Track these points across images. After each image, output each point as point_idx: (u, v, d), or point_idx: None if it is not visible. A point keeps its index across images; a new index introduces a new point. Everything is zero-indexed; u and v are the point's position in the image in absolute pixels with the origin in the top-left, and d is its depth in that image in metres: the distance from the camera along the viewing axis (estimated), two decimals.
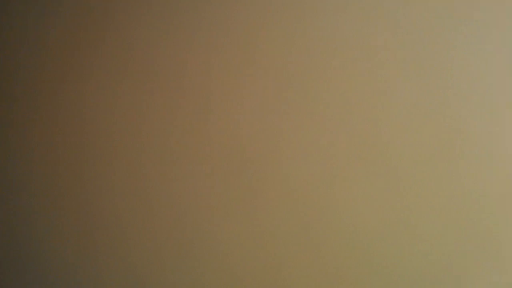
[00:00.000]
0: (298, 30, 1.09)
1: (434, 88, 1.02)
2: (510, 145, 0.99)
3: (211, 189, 1.14)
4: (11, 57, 1.28)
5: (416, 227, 1.03)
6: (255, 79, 1.11)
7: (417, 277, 1.03)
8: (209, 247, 1.14)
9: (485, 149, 1.00)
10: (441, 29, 1.02)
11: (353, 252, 1.06)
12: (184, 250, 1.15)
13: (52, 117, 1.24)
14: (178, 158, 1.16)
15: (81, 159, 1.22)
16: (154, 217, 1.17)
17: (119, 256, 1.20)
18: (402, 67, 1.04)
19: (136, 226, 1.19)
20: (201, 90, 1.15)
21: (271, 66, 1.10)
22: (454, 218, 1.01)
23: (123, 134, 1.19)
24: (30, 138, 1.26)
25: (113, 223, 1.20)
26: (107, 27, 1.20)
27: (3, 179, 1.28)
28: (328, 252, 1.07)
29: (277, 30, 1.10)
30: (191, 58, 1.15)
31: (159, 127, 1.17)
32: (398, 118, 1.04)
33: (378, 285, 1.05)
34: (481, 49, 1.00)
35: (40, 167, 1.25)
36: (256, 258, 1.11)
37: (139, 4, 1.18)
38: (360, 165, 1.05)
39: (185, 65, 1.15)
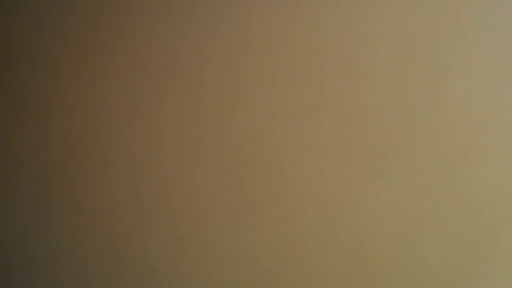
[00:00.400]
0: (310, 31, 1.09)
1: (446, 89, 1.02)
2: None
3: (218, 191, 1.14)
4: (6, 56, 1.28)
5: (429, 230, 1.03)
6: (265, 80, 1.11)
7: (429, 280, 1.03)
8: (222, 250, 1.14)
9: (492, 151, 1.00)
10: (446, 28, 1.02)
11: (364, 254, 1.06)
12: (195, 253, 1.15)
13: (50, 117, 1.24)
14: (186, 159, 1.16)
15: (87, 160, 1.22)
16: (159, 220, 1.17)
17: (125, 258, 1.20)
18: (412, 69, 1.04)
19: (139, 228, 1.18)
20: (210, 90, 1.14)
21: (281, 67, 1.10)
22: (464, 220, 1.01)
23: (126, 135, 1.19)
24: (27, 139, 1.25)
25: (117, 224, 1.19)
26: (121, 28, 1.20)
27: (11, 179, 1.28)
28: (341, 252, 1.07)
29: (287, 31, 1.10)
30: (198, 58, 1.15)
31: (165, 128, 1.17)
32: (413, 120, 1.04)
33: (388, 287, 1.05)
34: (484, 48, 1.00)
35: (39, 167, 1.25)
36: (270, 260, 1.11)
37: (153, 5, 1.18)
38: (370, 167, 1.05)
39: (192, 66, 1.15)
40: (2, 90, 1.28)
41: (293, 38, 1.10)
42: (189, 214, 1.15)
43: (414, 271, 1.04)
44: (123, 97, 1.20)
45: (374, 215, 1.05)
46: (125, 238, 1.19)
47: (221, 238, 1.13)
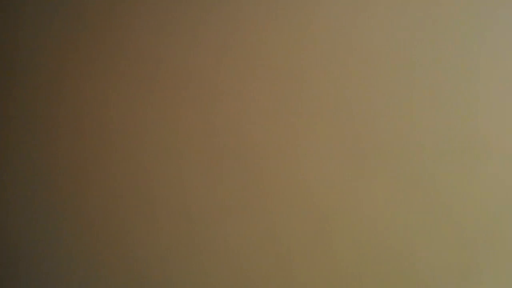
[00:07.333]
0: (305, 31, 1.09)
1: (439, 88, 1.02)
2: None
3: (215, 190, 1.14)
4: (8, 57, 1.28)
5: (424, 229, 1.03)
6: (260, 79, 1.11)
7: (424, 279, 1.03)
8: (215, 249, 1.14)
9: (487, 149, 1.00)
10: (445, 28, 1.02)
11: (360, 253, 1.06)
12: (189, 252, 1.15)
13: (50, 117, 1.24)
14: (181, 158, 1.16)
15: (81, 159, 1.22)
16: (158, 219, 1.17)
17: (121, 257, 1.19)
18: (408, 67, 1.04)
19: (139, 227, 1.18)
20: (202, 90, 1.14)
21: (275, 67, 1.11)
22: (460, 221, 1.01)
23: (124, 134, 1.19)
24: (28, 138, 1.26)
25: (115, 223, 1.20)
26: (106, 26, 1.21)
27: (1, 179, 1.28)
28: (335, 253, 1.07)
29: (282, 31, 1.10)
30: (192, 58, 1.15)
31: (161, 128, 1.17)
32: (408, 119, 1.04)
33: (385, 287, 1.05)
34: (483, 48, 1.00)
35: (39, 166, 1.25)
36: (262, 260, 1.11)
37: (140, 3, 1.18)
38: (368, 166, 1.05)
39: (186, 65, 1.16)
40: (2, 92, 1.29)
41: (295, 39, 1.10)
42: (193, 214, 1.16)
43: (410, 272, 1.04)
44: (113, 99, 1.20)
45: (369, 216, 1.05)
46: (128, 238, 1.19)
47: (223, 237, 1.14)
